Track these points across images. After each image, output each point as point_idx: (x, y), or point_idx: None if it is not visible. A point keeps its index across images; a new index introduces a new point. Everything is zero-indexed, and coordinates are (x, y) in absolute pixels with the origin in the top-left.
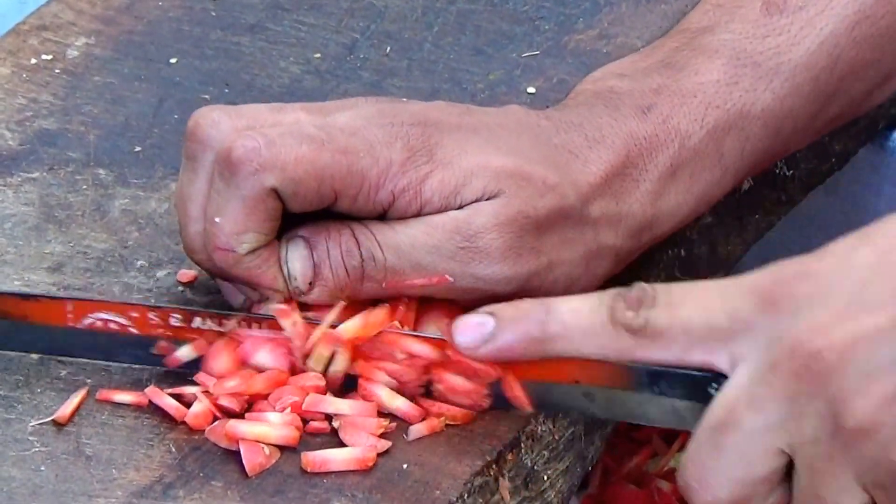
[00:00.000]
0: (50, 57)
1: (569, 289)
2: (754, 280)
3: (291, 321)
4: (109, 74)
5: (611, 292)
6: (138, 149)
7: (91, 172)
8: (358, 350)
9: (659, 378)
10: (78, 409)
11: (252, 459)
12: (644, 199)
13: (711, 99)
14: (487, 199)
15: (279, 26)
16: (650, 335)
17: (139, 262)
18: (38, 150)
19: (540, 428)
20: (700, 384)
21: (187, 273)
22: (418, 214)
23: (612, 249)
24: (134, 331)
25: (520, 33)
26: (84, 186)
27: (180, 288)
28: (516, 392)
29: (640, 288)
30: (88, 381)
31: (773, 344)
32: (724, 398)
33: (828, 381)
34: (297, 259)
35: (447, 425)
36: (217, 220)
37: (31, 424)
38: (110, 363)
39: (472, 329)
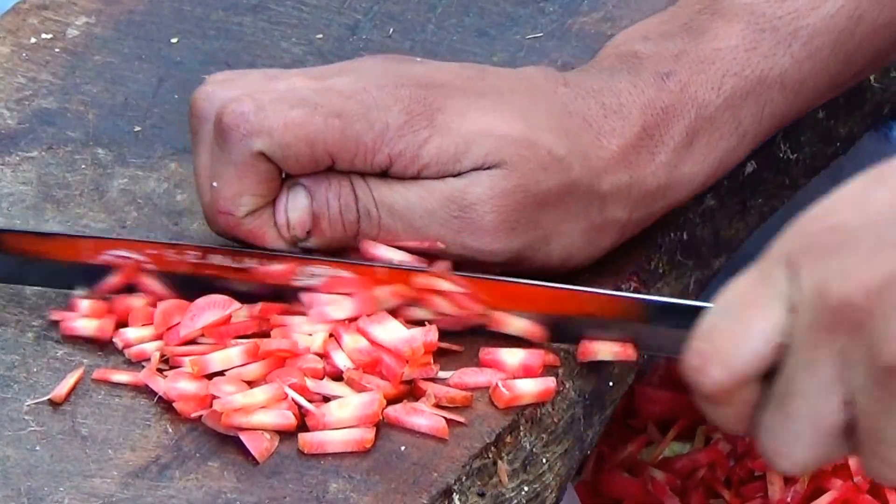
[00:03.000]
0: (50, 36)
1: (565, 262)
2: (780, 249)
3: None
4: (109, 54)
5: None
6: (138, 129)
7: (90, 152)
8: None
9: (672, 312)
10: (74, 388)
11: (257, 447)
12: (659, 170)
13: (729, 66)
14: (487, 169)
15: (281, 7)
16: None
17: None
18: (37, 130)
19: (539, 411)
20: None
21: None
22: (417, 175)
23: (619, 223)
24: (151, 267)
25: (524, 15)
26: (83, 166)
27: None
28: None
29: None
30: (85, 360)
31: (808, 303)
32: (782, 369)
33: (863, 325)
34: (296, 209)
35: (445, 407)
36: (215, 184)
37: (27, 404)
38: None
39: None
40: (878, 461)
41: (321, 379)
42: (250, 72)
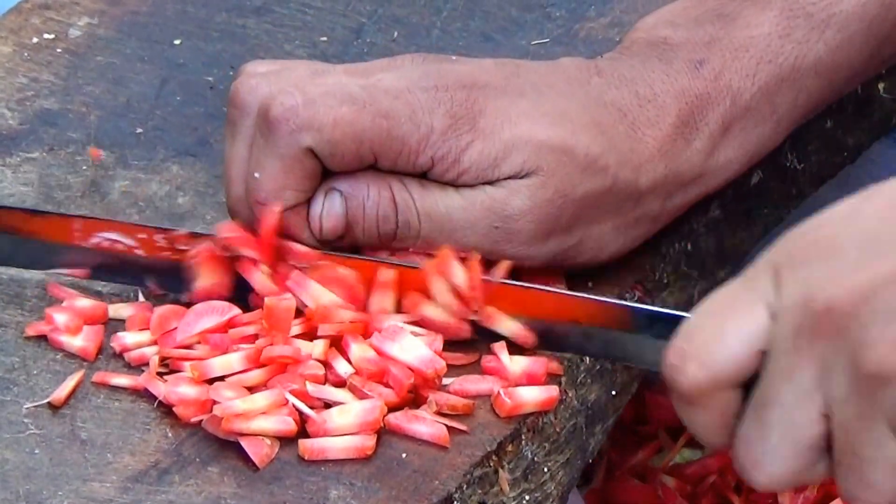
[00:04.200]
0: (52, 36)
1: (596, 256)
2: (766, 259)
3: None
4: (112, 55)
5: None
6: (139, 130)
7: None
8: None
9: (657, 320)
10: (74, 391)
11: (258, 452)
12: (694, 158)
13: (763, 53)
14: (525, 176)
15: (285, 9)
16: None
17: None
18: (39, 130)
19: (541, 419)
20: None
21: None
22: (455, 179)
23: (653, 214)
24: (140, 252)
25: (530, 20)
26: (84, 167)
27: None
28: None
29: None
30: (85, 363)
31: (791, 309)
32: (761, 378)
33: (846, 332)
34: (331, 217)
35: (447, 415)
36: (256, 175)
37: (26, 407)
38: (109, 284)
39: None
40: (855, 480)
41: (322, 385)
42: (292, 64)
